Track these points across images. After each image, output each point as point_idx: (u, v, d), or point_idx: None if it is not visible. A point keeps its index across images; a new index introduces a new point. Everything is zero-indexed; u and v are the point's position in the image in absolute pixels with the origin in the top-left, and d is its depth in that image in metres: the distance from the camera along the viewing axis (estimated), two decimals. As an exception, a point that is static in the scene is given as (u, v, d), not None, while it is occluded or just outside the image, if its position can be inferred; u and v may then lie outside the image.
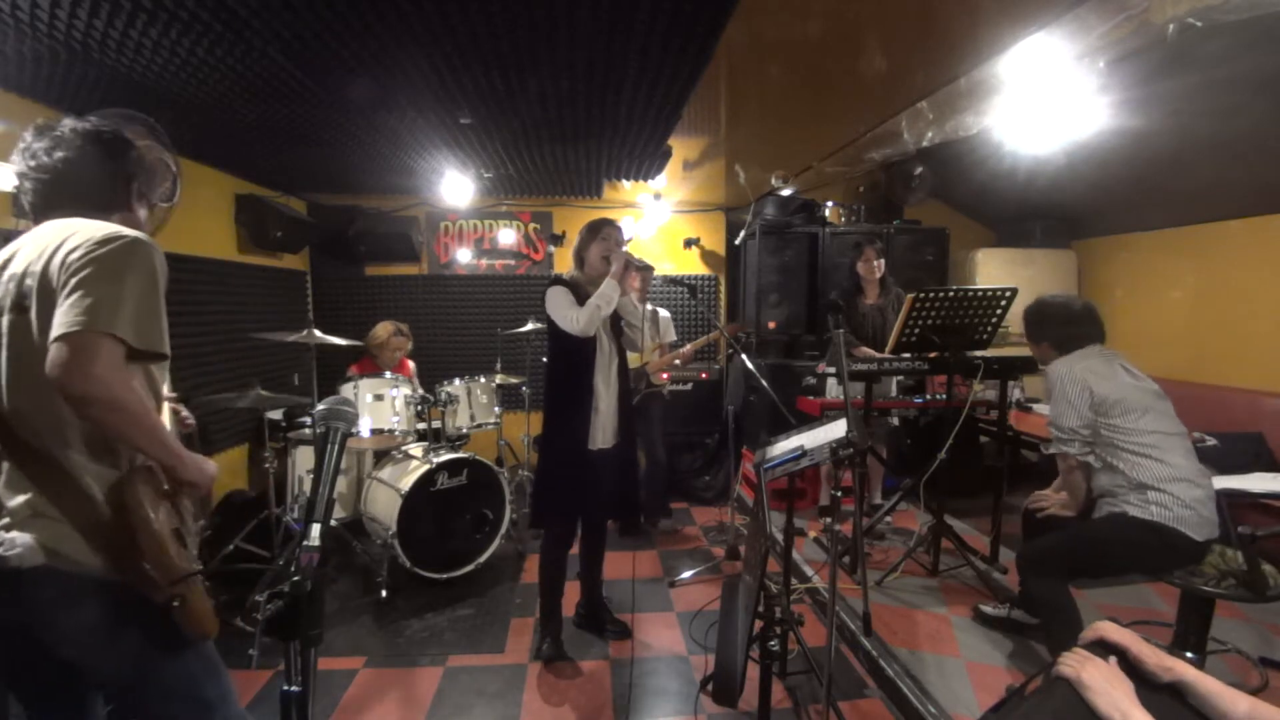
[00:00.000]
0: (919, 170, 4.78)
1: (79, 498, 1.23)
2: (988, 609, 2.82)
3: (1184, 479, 2.19)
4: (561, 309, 2.53)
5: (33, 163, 1.31)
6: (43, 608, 1.23)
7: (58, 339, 1.15)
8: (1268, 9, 1.94)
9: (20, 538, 1.18)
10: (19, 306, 1.24)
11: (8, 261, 1.29)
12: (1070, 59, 2.41)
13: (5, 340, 1.25)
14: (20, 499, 1.22)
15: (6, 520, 1.20)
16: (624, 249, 2.66)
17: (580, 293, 2.60)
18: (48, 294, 1.21)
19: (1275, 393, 3.63)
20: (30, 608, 1.22)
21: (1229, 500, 2.32)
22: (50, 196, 1.33)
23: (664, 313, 4.30)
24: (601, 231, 2.66)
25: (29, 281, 1.24)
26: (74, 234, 1.24)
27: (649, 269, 3.96)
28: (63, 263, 1.21)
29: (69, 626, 1.23)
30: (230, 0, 1.93)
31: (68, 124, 1.33)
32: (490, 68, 2.50)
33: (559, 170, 4.37)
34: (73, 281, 1.18)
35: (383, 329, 4.09)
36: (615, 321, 2.74)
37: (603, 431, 2.66)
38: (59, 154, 1.31)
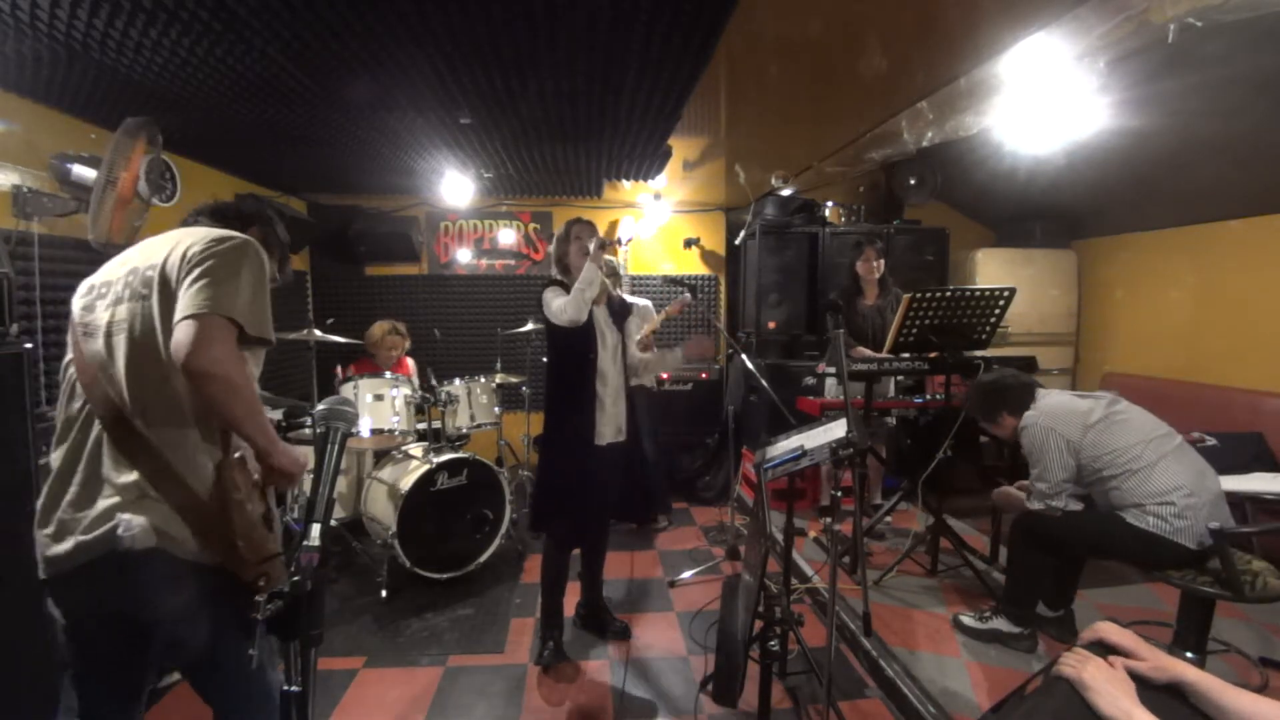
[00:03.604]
0: (919, 170, 4.77)
1: (182, 480, 1.30)
2: (967, 620, 2.69)
3: (1178, 487, 2.19)
4: (552, 303, 2.57)
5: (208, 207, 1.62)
6: (147, 589, 1.27)
7: (184, 319, 1.25)
8: (1268, 9, 1.94)
9: (136, 520, 1.23)
10: (139, 295, 1.35)
11: (123, 264, 1.43)
12: (1070, 59, 2.41)
13: (125, 325, 1.34)
14: (129, 478, 1.26)
15: (116, 499, 1.25)
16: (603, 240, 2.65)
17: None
18: (168, 283, 1.32)
19: (1275, 393, 3.62)
20: (134, 589, 1.26)
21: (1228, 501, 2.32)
22: (199, 213, 1.59)
23: (642, 301, 4.30)
24: (572, 231, 2.68)
25: (149, 273, 1.35)
26: (191, 234, 1.40)
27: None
28: (183, 256, 1.33)
29: (169, 607, 1.28)
30: (230, 0, 1.93)
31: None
32: (490, 68, 2.50)
33: (559, 170, 4.37)
34: (196, 271, 1.30)
35: (378, 328, 4.09)
36: (616, 313, 2.75)
37: (611, 425, 2.66)
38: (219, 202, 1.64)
